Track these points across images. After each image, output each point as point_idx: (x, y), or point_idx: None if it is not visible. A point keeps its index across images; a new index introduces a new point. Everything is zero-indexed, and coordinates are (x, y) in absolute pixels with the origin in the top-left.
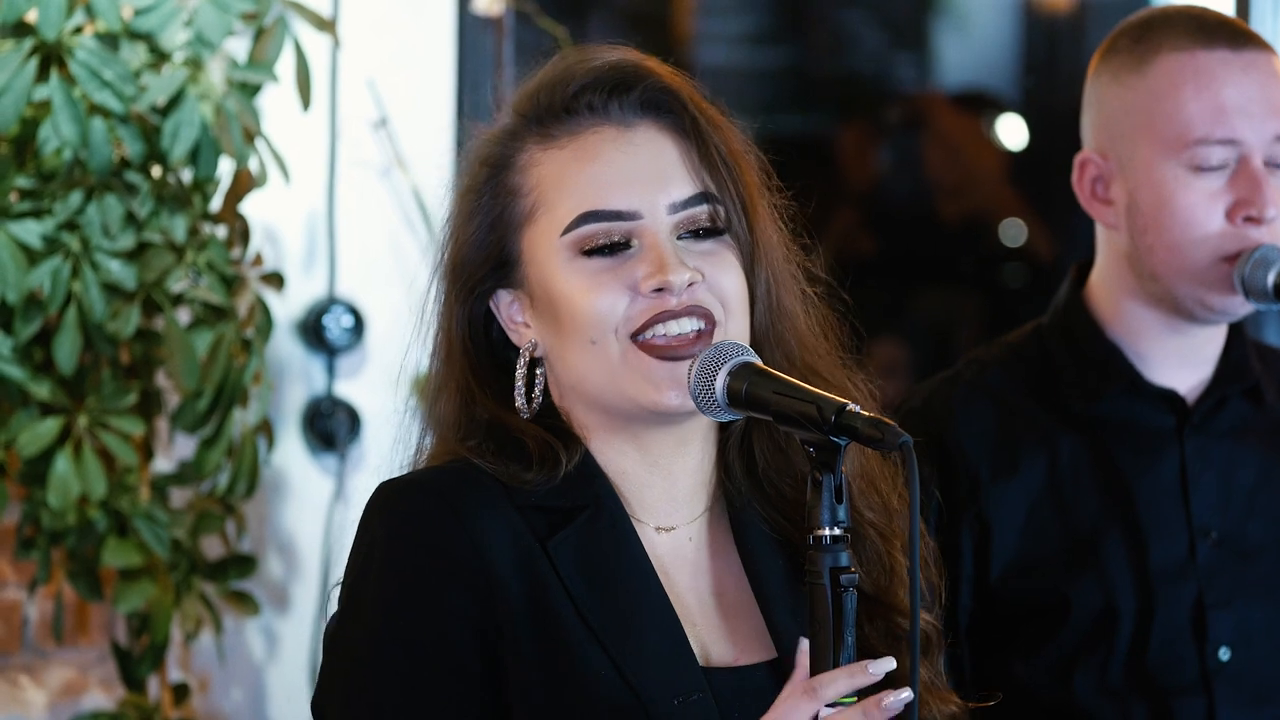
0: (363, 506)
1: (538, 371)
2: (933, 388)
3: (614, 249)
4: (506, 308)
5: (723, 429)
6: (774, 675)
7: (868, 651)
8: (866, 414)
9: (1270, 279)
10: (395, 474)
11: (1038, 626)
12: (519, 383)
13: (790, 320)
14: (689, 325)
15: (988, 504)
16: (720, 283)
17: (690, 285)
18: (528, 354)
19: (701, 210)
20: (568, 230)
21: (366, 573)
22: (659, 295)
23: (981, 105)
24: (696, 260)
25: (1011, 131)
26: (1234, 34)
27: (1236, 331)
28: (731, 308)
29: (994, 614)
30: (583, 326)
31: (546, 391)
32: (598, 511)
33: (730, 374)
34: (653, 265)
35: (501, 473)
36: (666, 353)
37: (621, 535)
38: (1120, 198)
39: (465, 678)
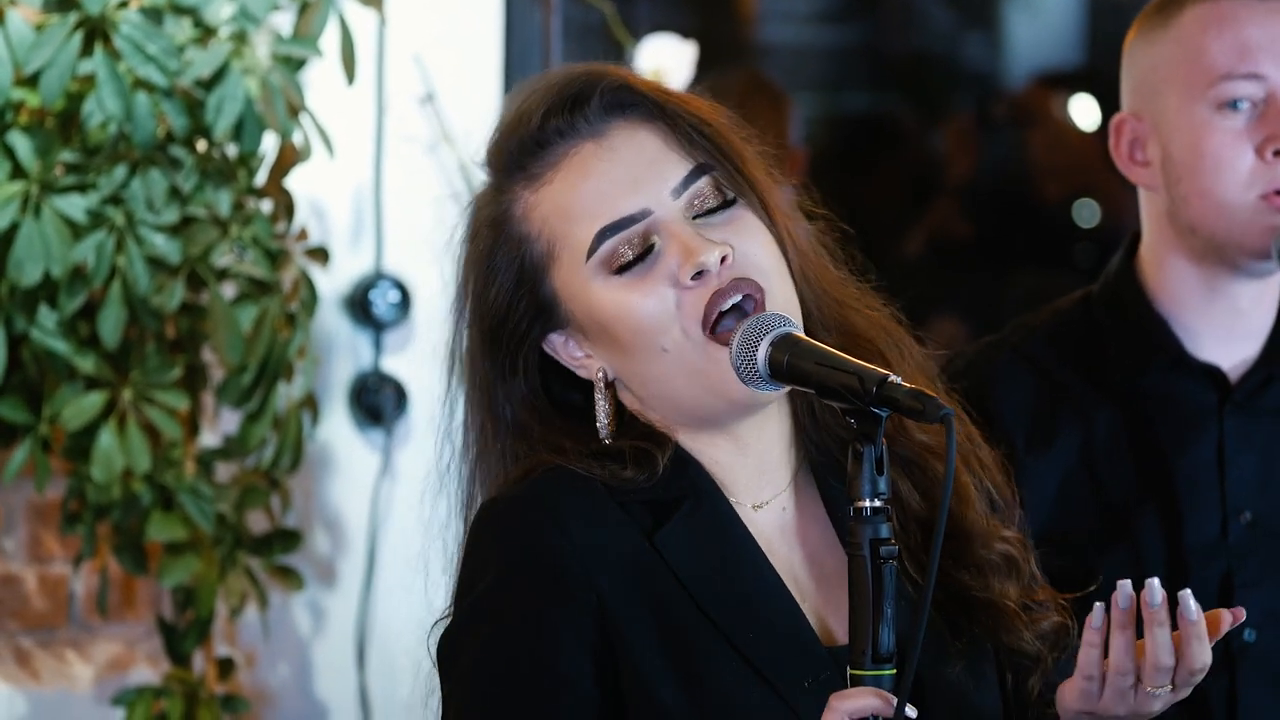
0: (469, 530)
1: (608, 399)
2: (978, 351)
3: (642, 258)
4: (564, 348)
5: (794, 398)
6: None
7: (952, 586)
8: (908, 385)
9: None
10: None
11: (1066, 599)
12: (600, 412)
13: (817, 269)
14: (737, 300)
15: (1020, 474)
16: (750, 250)
17: (724, 261)
18: (601, 382)
19: (703, 183)
20: (591, 253)
21: (477, 591)
22: (701, 280)
23: (1074, 85)
24: (720, 234)
25: (1084, 111)
26: None
27: None
28: (768, 272)
29: None
30: (647, 336)
31: (619, 412)
32: (698, 500)
33: (772, 344)
34: (681, 253)
35: (600, 474)
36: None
37: (725, 520)
38: (1155, 155)
39: (582, 697)
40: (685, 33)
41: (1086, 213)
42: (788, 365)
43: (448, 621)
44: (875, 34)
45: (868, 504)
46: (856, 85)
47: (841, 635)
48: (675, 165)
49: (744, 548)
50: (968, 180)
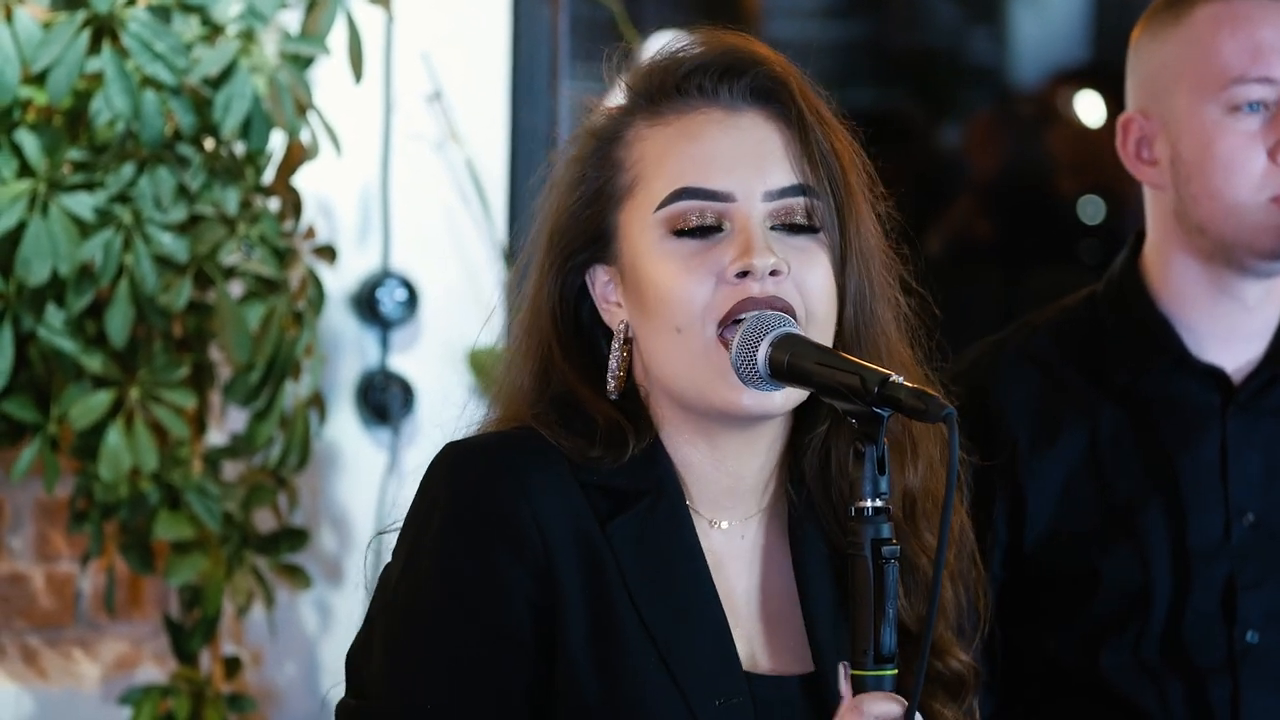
0: (427, 465)
1: (624, 353)
2: (981, 350)
3: (705, 231)
4: (602, 286)
5: (796, 434)
6: (809, 690)
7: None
8: (910, 385)
9: None
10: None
11: (1068, 599)
12: (613, 363)
13: (882, 327)
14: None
15: (1024, 474)
16: (806, 279)
17: (775, 274)
18: (621, 334)
19: (798, 202)
20: (661, 206)
21: (425, 531)
22: (743, 281)
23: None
24: (788, 254)
25: (1090, 107)
26: None
27: None
28: (814, 306)
29: (1025, 585)
30: (669, 313)
31: (629, 372)
32: (658, 499)
33: (772, 344)
34: (739, 248)
35: (568, 447)
36: None
37: (680, 526)
38: (1164, 154)
39: (516, 648)
40: (691, 29)
41: (1091, 209)
42: (788, 365)
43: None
44: (880, 29)
45: (869, 504)
46: (862, 81)
47: (765, 665)
48: (783, 172)
49: (690, 558)
50: (989, 179)
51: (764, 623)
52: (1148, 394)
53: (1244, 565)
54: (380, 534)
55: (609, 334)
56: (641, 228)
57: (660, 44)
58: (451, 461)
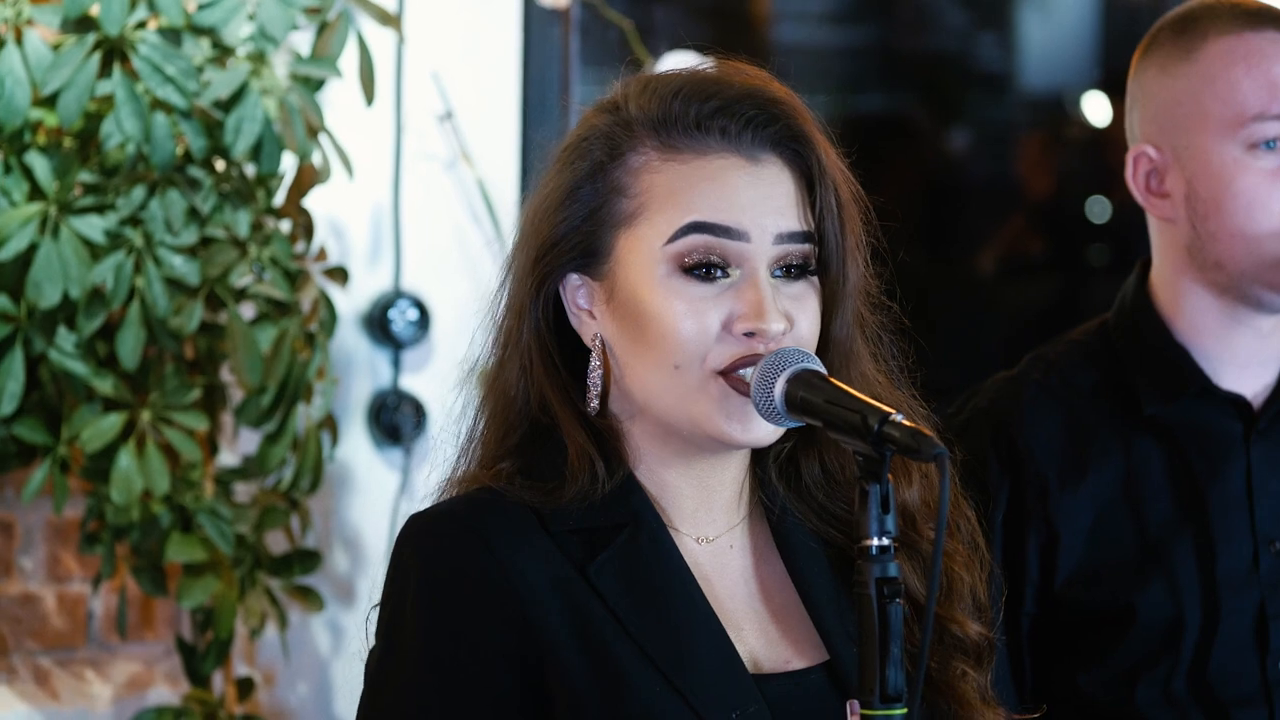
0: (395, 540)
1: (604, 370)
2: (999, 387)
3: (712, 272)
4: (573, 291)
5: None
6: (830, 677)
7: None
8: (907, 424)
9: None
10: (435, 500)
11: (1102, 635)
12: (597, 379)
13: (857, 361)
14: None
15: (1055, 510)
16: (802, 328)
17: (783, 334)
18: (598, 349)
19: (803, 249)
20: (673, 239)
21: (402, 607)
22: (749, 339)
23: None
24: (787, 304)
25: (1097, 109)
26: (1278, 17)
27: None
28: (805, 347)
29: (1058, 622)
30: (669, 351)
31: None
32: (637, 528)
33: (788, 381)
34: (751, 307)
35: (533, 498)
36: (745, 390)
37: (662, 550)
38: (1177, 189)
39: (505, 711)
40: (701, 39)
41: (1099, 209)
42: (801, 401)
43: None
44: (888, 34)
45: (875, 542)
46: (870, 86)
47: (771, 666)
48: (793, 218)
49: (678, 579)
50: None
51: (770, 623)
52: (1175, 424)
53: (1274, 594)
54: (375, 608)
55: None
56: (646, 259)
57: (674, 63)
58: (417, 533)
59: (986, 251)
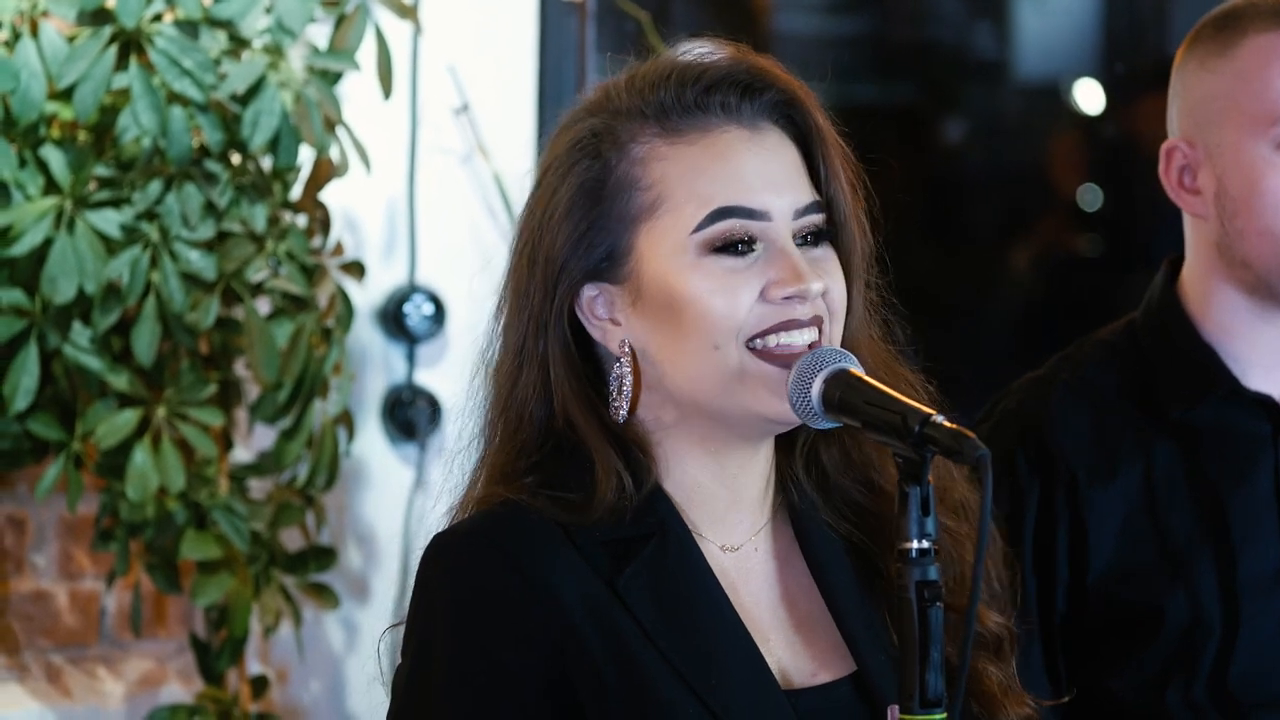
0: (420, 559)
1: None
2: (1026, 389)
3: (741, 249)
4: (590, 302)
5: (783, 440)
6: (857, 690)
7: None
8: (948, 425)
9: None
10: (450, 521)
11: (1131, 637)
12: (626, 387)
13: (864, 326)
14: (808, 336)
15: (1085, 508)
16: (834, 292)
17: (825, 294)
18: (627, 355)
19: (818, 217)
20: (701, 227)
21: (431, 627)
22: (787, 303)
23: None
24: (816, 267)
25: (1090, 97)
26: None
27: None
28: (837, 316)
29: (1089, 622)
30: (708, 330)
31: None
32: (664, 539)
33: (825, 381)
34: (787, 272)
35: (558, 512)
36: (787, 360)
37: (690, 560)
38: (1209, 185)
39: None
40: (704, 28)
41: (1090, 197)
42: (839, 401)
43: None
44: (884, 23)
45: (915, 545)
46: (867, 75)
47: (800, 679)
48: (805, 189)
49: (706, 591)
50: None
51: (796, 633)
52: (1201, 426)
53: None
54: (393, 627)
55: (600, 356)
56: (672, 249)
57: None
58: (443, 554)
59: (989, 241)
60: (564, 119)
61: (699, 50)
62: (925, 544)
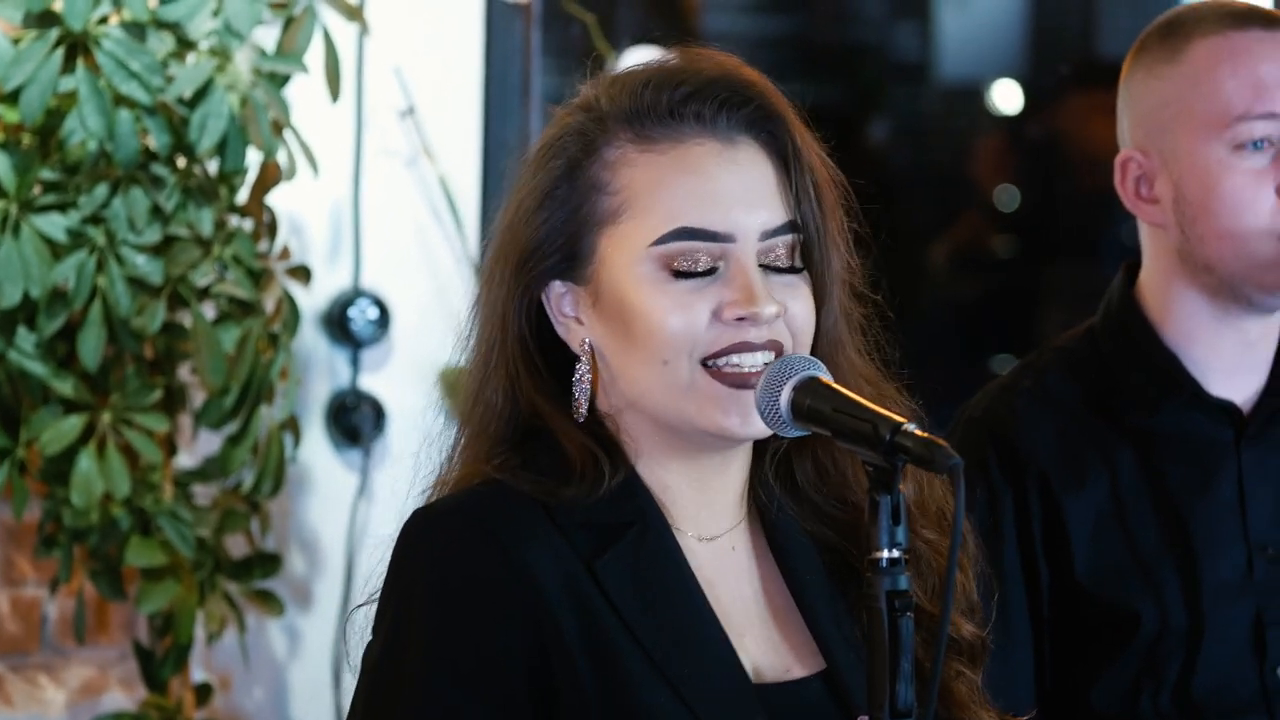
0: (397, 534)
1: (593, 375)
2: (992, 396)
3: (699, 275)
4: (557, 299)
5: (758, 445)
6: (827, 687)
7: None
8: (920, 434)
9: None
10: (427, 499)
11: (1110, 642)
12: (585, 386)
13: (847, 351)
14: (762, 359)
15: (1061, 508)
16: (796, 316)
17: (778, 317)
18: (586, 354)
19: (788, 239)
20: (660, 242)
21: (409, 604)
22: (740, 324)
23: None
24: (777, 291)
25: (1009, 97)
26: (1265, 17)
27: None
28: (801, 341)
29: (1072, 626)
30: (659, 346)
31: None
32: (644, 528)
33: (795, 389)
34: (741, 293)
35: (539, 490)
36: (736, 380)
37: (668, 551)
38: (1166, 193)
39: (513, 711)
40: (637, 27)
41: (1007, 197)
42: (809, 409)
43: (369, 622)
44: (809, 24)
45: (885, 555)
46: (793, 76)
47: (773, 675)
48: (776, 209)
49: (683, 583)
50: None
51: (772, 628)
52: (1162, 433)
53: (1269, 600)
54: (357, 608)
55: (570, 352)
56: (632, 258)
57: (636, 57)
58: (424, 529)
59: (911, 244)
60: (557, 112)
61: (685, 56)
62: (895, 553)
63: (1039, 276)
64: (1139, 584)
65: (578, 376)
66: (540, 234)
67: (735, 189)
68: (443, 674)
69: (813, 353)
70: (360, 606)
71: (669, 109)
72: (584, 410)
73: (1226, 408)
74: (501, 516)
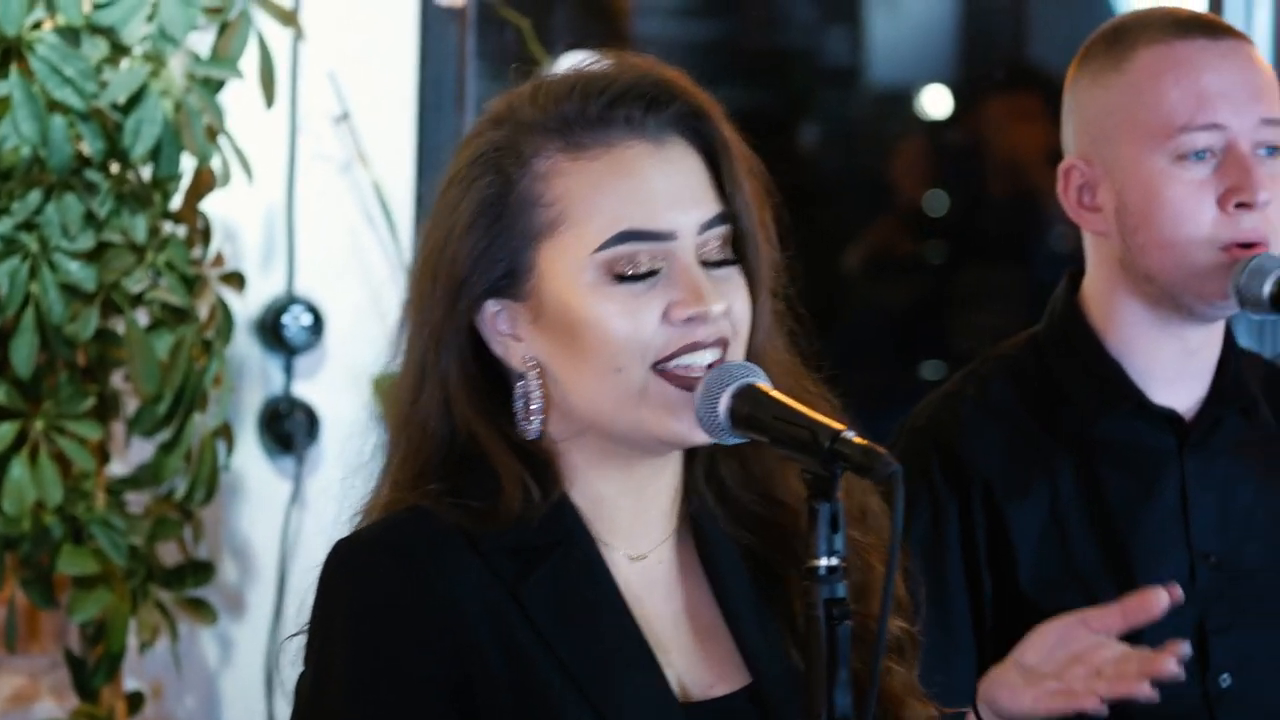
0: (322, 566)
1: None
2: (936, 404)
3: (642, 277)
4: (492, 318)
5: (689, 449)
6: (753, 701)
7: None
8: (859, 441)
9: (1267, 289)
10: (355, 525)
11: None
12: (535, 402)
13: (774, 343)
14: (709, 356)
15: (1004, 516)
16: (736, 311)
17: (725, 313)
18: (532, 369)
19: (722, 231)
20: (603, 248)
21: (330, 634)
22: (690, 324)
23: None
24: (720, 287)
25: (937, 102)
26: (1210, 25)
27: (1230, 345)
28: (741, 335)
29: (1014, 635)
30: (610, 354)
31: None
32: (569, 548)
33: (733, 396)
34: (688, 293)
35: (465, 520)
36: (686, 383)
37: (594, 571)
38: (1108, 201)
39: None
40: (567, 31)
41: (935, 202)
42: (747, 417)
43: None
44: (739, 29)
45: (823, 563)
46: (723, 80)
47: (698, 692)
48: (710, 203)
49: (608, 602)
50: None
51: (695, 645)
52: (1105, 441)
53: (1212, 609)
54: (290, 638)
55: (504, 371)
56: (574, 268)
57: (572, 62)
58: (346, 559)
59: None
60: (469, 129)
61: (604, 62)
62: (834, 561)
63: (968, 281)
64: (1076, 594)
65: (522, 393)
66: (474, 255)
67: (670, 188)
68: (367, 704)
69: (749, 346)
70: (293, 636)
71: (598, 115)
72: (536, 426)
73: (1169, 416)
74: (424, 545)
